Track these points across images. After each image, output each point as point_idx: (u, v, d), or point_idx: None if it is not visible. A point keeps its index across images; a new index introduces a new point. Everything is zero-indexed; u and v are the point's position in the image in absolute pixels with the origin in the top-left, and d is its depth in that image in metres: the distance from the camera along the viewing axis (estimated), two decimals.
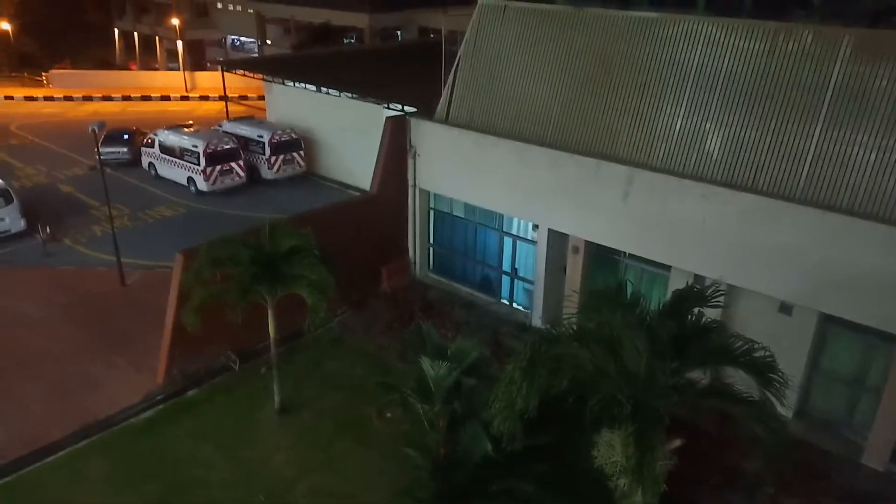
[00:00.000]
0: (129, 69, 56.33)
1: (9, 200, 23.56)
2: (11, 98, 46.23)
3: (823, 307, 13.58)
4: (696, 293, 10.77)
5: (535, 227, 18.15)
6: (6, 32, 52.40)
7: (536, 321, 18.13)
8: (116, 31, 60.00)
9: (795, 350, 13.86)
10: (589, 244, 17.07)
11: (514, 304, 19.64)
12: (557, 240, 17.64)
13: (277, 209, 23.11)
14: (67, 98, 45.95)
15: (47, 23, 55.66)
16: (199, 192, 27.02)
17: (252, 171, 28.06)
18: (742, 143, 14.47)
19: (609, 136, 16.32)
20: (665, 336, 9.52)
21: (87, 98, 46.00)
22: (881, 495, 12.77)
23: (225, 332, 14.59)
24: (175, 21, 50.89)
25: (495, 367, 11.76)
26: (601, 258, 17.25)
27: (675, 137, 15.38)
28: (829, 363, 14.51)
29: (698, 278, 14.48)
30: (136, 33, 58.34)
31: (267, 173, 28.14)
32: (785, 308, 14.27)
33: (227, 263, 14.15)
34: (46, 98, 46.16)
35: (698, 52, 15.15)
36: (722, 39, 14.86)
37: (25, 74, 51.30)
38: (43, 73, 50.02)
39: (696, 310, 10.39)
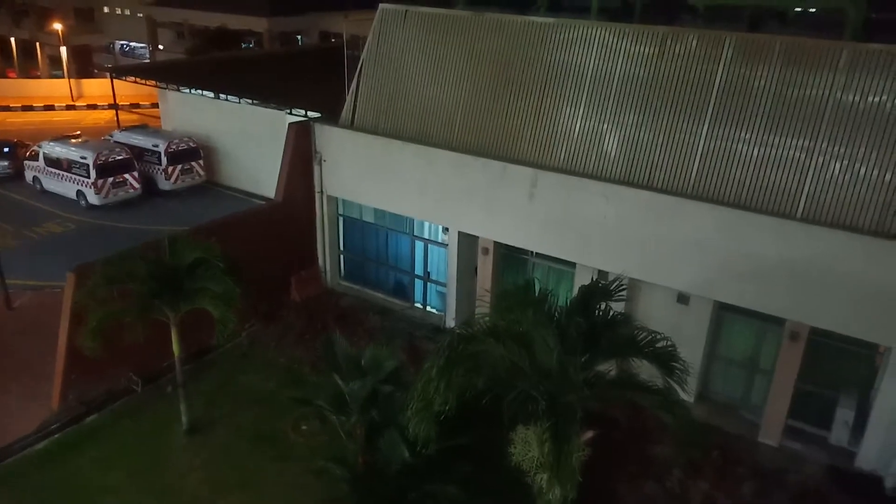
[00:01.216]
0: (8, 77, 52.53)
1: None
2: None
3: (717, 296, 14.41)
4: (601, 289, 11.18)
5: (446, 230, 18.28)
6: None
7: (451, 323, 18.26)
8: None
9: (694, 338, 14.64)
10: (498, 245, 17.38)
11: (429, 308, 19.71)
12: (468, 242, 17.84)
13: (177, 221, 22.11)
14: None
15: None
16: (91, 206, 25.47)
17: (148, 182, 26.73)
18: (637, 143, 15.13)
19: (513, 139, 16.67)
20: (574, 331, 9.83)
21: None
22: (781, 468, 13.66)
23: (126, 352, 13.88)
24: (58, 26, 47.81)
25: (411, 372, 11.75)
26: (510, 258, 17.60)
27: (575, 138, 15.90)
28: (725, 349, 15.41)
29: (602, 273, 15.03)
30: (12, 39, 54.46)
31: (164, 184, 26.89)
32: (682, 298, 15.05)
33: (125, 280, 13.44)
34: None
35: (593, 56, 15.72)
36: (615, 44, 15.49)
37: None
38: None
39: (602, 304, 10.77)
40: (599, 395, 9.88)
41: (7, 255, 20.28)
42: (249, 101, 25.00)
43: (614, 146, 15.44)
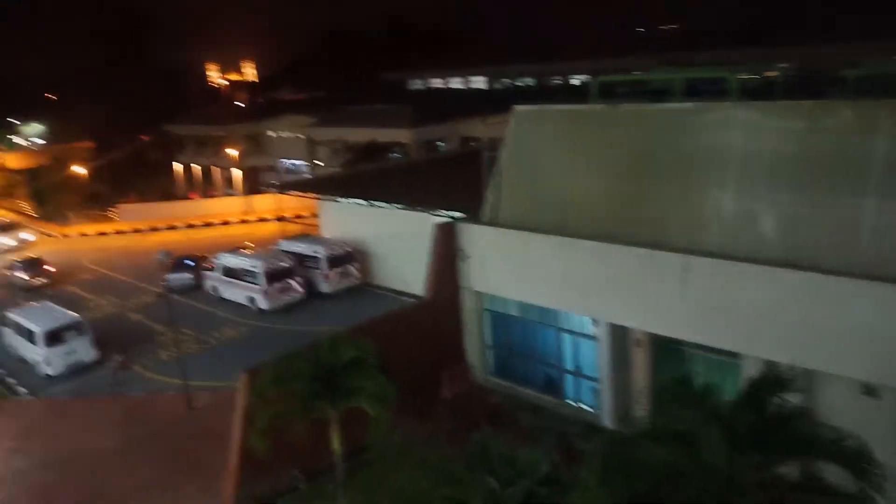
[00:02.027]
0: (190, 198, 59.77)
1: (82, 332, 24.60)
2: (85, 234, 49.33)
3: None
4: (771, 380, 10.32)
5: (594, 321, 17.91)
6: (82, 175, 56.74)
7: (606, 420, 17.53)
8: (178, 165, 64.19)
9: (889, 436, 12.95)
10: (652, 336, 16.70)
11: (581, 405, 19.08)
12: (618, 333, 17.32)
13: (336, 322, 23.43)
14: (135, 230, 48.76)
15: (115, 164, 60.21)
16: (261, 311, 27.76)
17: (310, 286, 28.81)
18: (795, 221, 14.25)
19: (658, 225, 16.31)
20: (743, 428, 9.09)
21: (154, 229, 48.70)
22: None
23: (290, 450, 14.55)
24: (231, 151, 54.26)
25: (567, 473, 11.31)
26: (666, 350, 16.79)
27: (726, 221, 15.27)
28: None
29: (770, 364, 13.89)
30: (195, 166, 62.31)
31: (324, 287, 28.83)
32: (870, 390, 13.48)
33: (290, 380, 14.32)
34: (117, 232, 49.07)
35: (739, 136, 15.27)
36: (761, 122, 14.99)
37: (97, 211, 54.91)
38: (112, 209, 53.48)
39: (774, 398, 9.92)
40: (776, 499, 8.94)
41: (189, 359, 22.40)
42: (398, 206, 26.59)
43: (770, 226, 14.62)
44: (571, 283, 17.58)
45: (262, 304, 27.62)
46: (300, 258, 29.15)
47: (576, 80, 67.78)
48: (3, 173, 73.45)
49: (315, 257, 28.94)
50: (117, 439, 19.55)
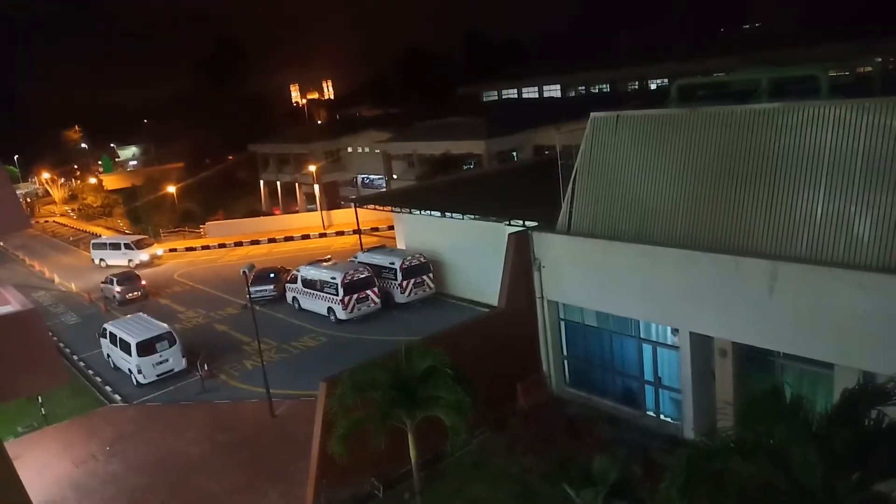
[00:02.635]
0: (273, 214, 61.98)
1: (172, 342, 25.85)
2: (174, 250, 51.97)
3: None
4: (869, 393, 9.64)
5: (675, 331, 17.30)
6: (172, 195, 59.89)
7: (689, 433, 16.84)
8: (262, 182, 66.75)
9: None
10: (737, 346, 15.97)
11: (662, 416, 18.44)
12: (701, 343, 16.65)
13: (411, 331, 23.70)
14: (221, 245, 50.99)
15: (204, 183, 63.28)
16: (339, 321, 28.38)
17: (386, 296, 29.26)
18: (893, 223, 13.32)
19: (743, 231, 15.62)
20: (840, 445, 8.52)
21: (238, 244, 50.82)
22: None
23: (368, 458, 14.72)
24: (312, 168, 56.02)
25: (648, 487, 10.95)
26: (753, 360, 16.00)
27: (817, 224, 14.45)
28: None
29: (868, 375, 13.00)
30: (278, 182, 64.61)
31: (400, 297, 29.21)
32: None
33: (368, 389, 14.52)
34: (204, 247, 51.46)
35: (830, 136, 14.46)
36: (855, 120, 14.14)
37: (186, 228, 57.78)
38: (200, 226, 56.12)
39: (873, 411, 9.26)
40: None
41: (271, 368, 23.12)
42: (471, 216, 26.66)
43: (866, 229, 13.73)
44: (652, 291, 17.07)
45: (341, 314, 28.24)
46: (377, 269, 29.66)
47: (653, 85, 66.32)
48: (102, 193, 78.60)
49: (391, 268, 29.38)
50: (205, 445, 20.36)
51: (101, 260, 47.88)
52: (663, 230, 17.17)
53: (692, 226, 16.63)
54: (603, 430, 17.78)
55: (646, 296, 17.25)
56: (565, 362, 20.77)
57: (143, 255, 46.71)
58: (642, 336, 18.48)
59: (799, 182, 14.83)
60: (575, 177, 19.38)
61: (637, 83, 68.94)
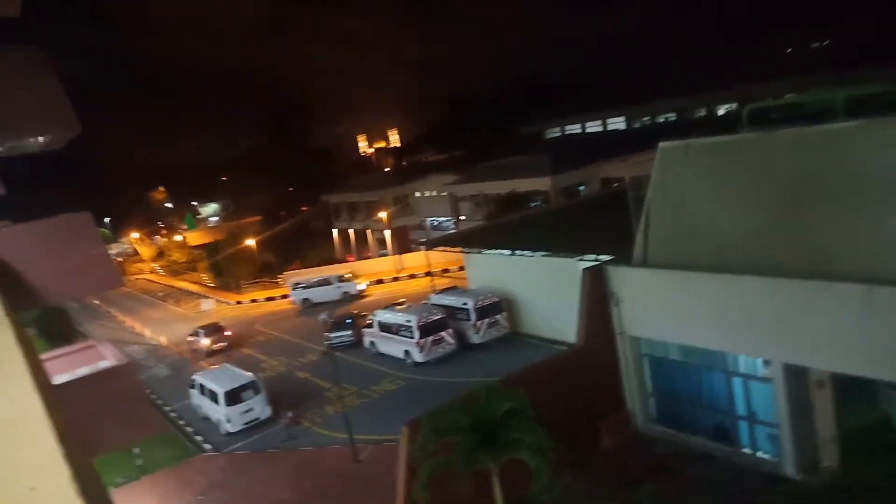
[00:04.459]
0: (347, 261, 63.45)
1: (257, 391, 26.55)
2: (255, 301, 53.76)
3: None
4: None
5: (766, 362, 16.53)
6: (251, 248, 62.32)
7: (790, 470, 15.90)
8: (335, 230, 68.68)
9: None
10: (835, 375, 15.10)
11: (759, 453, 17.50)
12: (796, 374, 15.83)
13: (488, 372, 23.54)
14: None
15: (281, 235, 65.67)
16: (416, 364, 28.51)
17: (461, 337, 29.24)
18: None
19: (828, 254, 14.91)
20: None
21: None
22: None
23: (454, 502, 14.56)
24: (382, 214, 57.26)
25: None
26: (854, 390, 15.09)
27: None
28: None
29: None
30: (350, 230, 66.31)
31: (474, 338, 29.14)
32: None
33: (449, 432, 14.47)
34: (283, 297, 52.99)
35: None
36: None
37: (266, 279, 59.79)
38: (279, 276, 57.97)
39: None
40: None
41: (352, 413, 23.37)
42: (542, 253, 26.53)
43: None
44: (737, 322, 16.42)
45: (417, 356, 28.38)
46: (450, 311, 29.75)
47: (721, 111, 64.92)
48: (187, 250, 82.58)
49: (464, 309, 29.42)
50: (291, 492, 20.65)
51: (305, 300, 46.60)
52: (744, 258, 16.59)
53: (774, 252, 16.00)
54: (695, 468, 17.05)
55: (731, 327, 16.61)
56: (650, 399, 20.11)
57: (360, 286, 46.48)
58: (731, 369, 17.73)
59: (885, 201, 14.11)
60: (647, 208, 19.07)
61: (704, 110, 67.65)
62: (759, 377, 17.03)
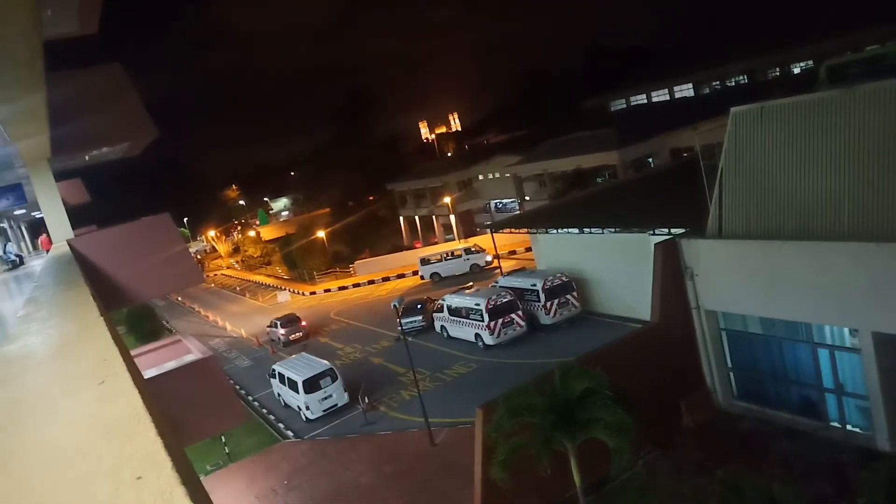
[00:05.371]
0: (415, 247, 64.08)
1: (334, 379, 27.26)
2: (329, 290, 55.08)
3: None
4: None
5: (854, 332, 15.76)
6: (321, 239, 63.79)
7: (883, 444, 15.18)
8: (401, 217, 69.46)
9: None
10: None
11: (849, 427, 16.77)
12: (888, 343, 15.03)
13: (561, 353, 23.34)
14: (370, 282, 53.36)
15: (350, 225, 66.94)
16: (487, 347, 28.60)
17: (531, 318, 29.11)
18: None
19: None
20: None
21: (386, 279, 52.92)
22: None
23: (532, 482, 14.62)
24: (447, 199, 57.44)
25: None
26: None
27: None
28: None
29: None
30: (416, 217, 66.93)
31: (545, 319, 28.93)
32: None
33: (525, 413, 14.48)
34: (354, 285, 54.11)
35: None
36: None
37: (337, 269, 61.14)
38: (350, 266, 59.16)
39: None
40: None
41: (427, 397, 23.68)
42: (612, 229, 26.01)
43: None
44: (822, 291, 15.69)
45: (488, 339, 28.45)
46: (519, 292, 29.64)
47: (796, 69, 61.75)
48: (260, 244, 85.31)
49: (533, 290, 29.24)
50: (371, 476, 21.18)
51: (434, 274, 46.12)
52: (828, 224, 15.82)
53: (861, 216, 15.18)
54: (781, 445, 16.48)
55: (815, 297, 15.90)
56: (731, 374, 19.53)
57: (488, 258, 45.30)
58: (816, 340, 17.01)
59: None
60: (721, 177, 18.41)
61: (777, 70, 64.45)
62: (847, 347, 16.28)
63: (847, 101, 15.57)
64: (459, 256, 45.97)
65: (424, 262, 47.50)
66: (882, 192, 14.79)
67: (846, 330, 16.14)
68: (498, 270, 38.77)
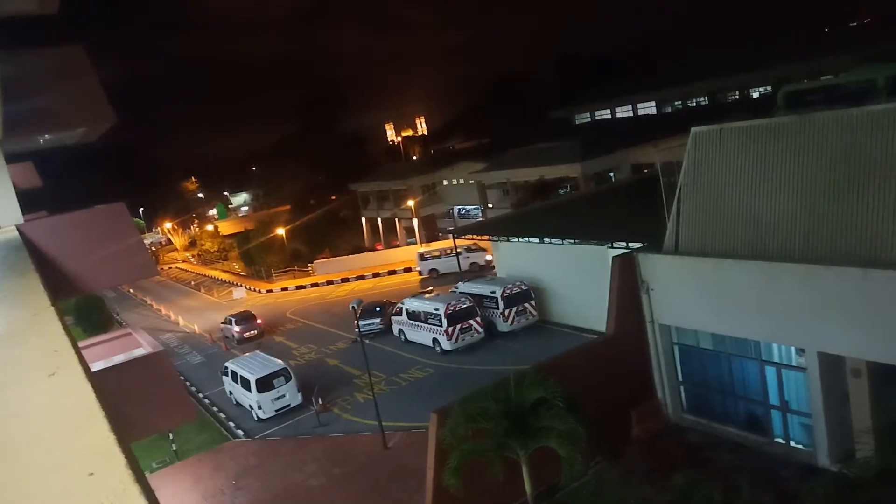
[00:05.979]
0: (376, 249, 63.79)
1: (288, 378, 26.92)
2: (286, 289, 54.39)
3: None
4: None
5: (801, 351, 16.26)
6: (281, 237, 62.97)
7: (823, 460, 15.68)
8: (363, 219, 69.03)
9: None
10: (872, 365, 14.79)
11: (792, 443, 17.28)
12: (831, 363, 15.55)
13: (517, 360, 23.54)
14: (329, 282, 52.88)
15: (310, 224, 66.22)
16: (444, 352, 28.62)
17: (489, 325, 29.26)
18: None
19: (869, 239, 14.56)
20: None
21: (345, 280, 52.55)
22: None
23: (483, 489, 14.65)
24: (410, 203, 57.35)
25: None
26: (893, 380, 14.76)
27: None
28: None
29: None
30: (379, 219, 66.62)
31: (503, 326, 29.12)
32: None
33: (479, 419, 14.52)
34: (313, 285, 53.56)
35: None
36: None
37: (296, 268, 60.44)
38: (309, 265, 58.53)
39: None
40: None
41: (382, 400, 23.57)
42: (571, 241, 26.34)
43: None
44: (772, 310, 16.16)
45: (445, 344, 28.48)
46: (478, 299, 29.77)
47: (755, 93, 63.51)
48: (218, 239, 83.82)
49: (492, 297, 29.40)
50: (323, 478, 20.96)
51: (433, 270, 46.82)
52: (780, 244, 16.30)
53: (811, 238, 15.68)
54: (726, 458, 16.89)
55: (765, 315, 16.36)
56: (681, 388, 19.93)
57: (487, 257, 44.25)
58: (764, 358, 17.49)
59: None
60: (679, 195, 18.80)
61: (737, 93, 66.21)
62: (794, 366, 16.78)
63: (802, 126, 16.09)
64: (459, 254, 45.98)
65: (423, 257, 47.73)
66: (832, 216, 15.31)
67: (793, 349, 16.64)
68: (494, 270, 38.74)
